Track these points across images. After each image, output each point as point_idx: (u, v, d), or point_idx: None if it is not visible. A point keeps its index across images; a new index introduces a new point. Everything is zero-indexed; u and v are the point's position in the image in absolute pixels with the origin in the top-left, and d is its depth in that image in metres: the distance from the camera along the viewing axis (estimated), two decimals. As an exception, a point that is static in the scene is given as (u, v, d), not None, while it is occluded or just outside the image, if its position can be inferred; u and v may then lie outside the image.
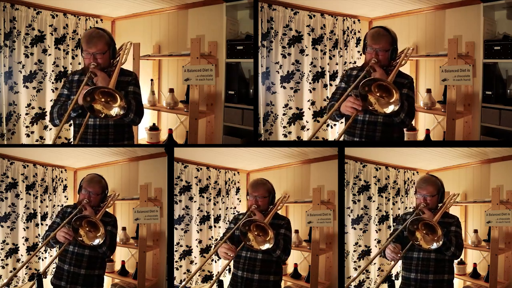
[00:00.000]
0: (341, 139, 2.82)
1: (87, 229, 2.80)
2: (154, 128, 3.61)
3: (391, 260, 2.81)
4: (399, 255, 2.76)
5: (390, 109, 2.50)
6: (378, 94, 2.50)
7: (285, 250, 2.82)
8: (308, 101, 3.55)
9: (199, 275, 3.81)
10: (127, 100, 2.61)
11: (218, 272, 3.77)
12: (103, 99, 2.54)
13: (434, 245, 2.66)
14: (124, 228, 3.78)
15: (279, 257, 2.80)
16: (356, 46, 3.66)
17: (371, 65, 2.60)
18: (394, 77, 2.54)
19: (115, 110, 2.55)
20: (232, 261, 2.88)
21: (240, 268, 2.84)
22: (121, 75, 2.71)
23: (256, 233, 2.75)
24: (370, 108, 2.51)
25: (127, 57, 2.77)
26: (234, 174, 3.95)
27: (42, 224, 3.79)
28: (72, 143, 3.56)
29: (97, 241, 2.80)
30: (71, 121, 3.45)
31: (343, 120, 2.80)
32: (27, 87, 3.41)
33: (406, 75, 2.73)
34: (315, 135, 3.59)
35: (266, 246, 2.72)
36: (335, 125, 3.62)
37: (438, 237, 2.67)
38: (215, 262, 3.82)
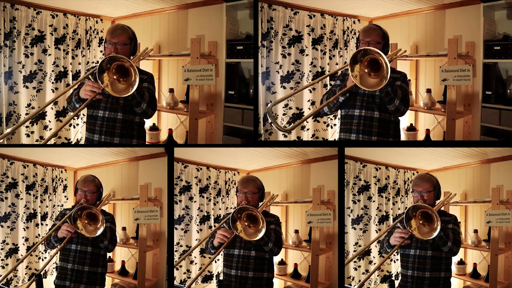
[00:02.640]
0: (338, 138, 2.83)
1: (86, 221, 2.87)
2: (154, 128, 3.61)
3: (398, 242, 2.78)
4: (407, 235, 2.75)
5: (380, 86, 2.50)
6: (366, 70, 2.52)
7: (277, 243, 2.87)
8: (308, 101, 3.55)
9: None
10: (140, 91, 2.69)
11: (218, 272, 3.78)
12: (115, 76, 2.59)
13: (430, 237, 2.65)
14: (124, 228, 3.78)
15: (271, 250, 2.85)
16: (356, 47, 3.66)
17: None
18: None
19: (126, 92, 2.59)
20: (224, 261, 2.93)
21: (233, 267, 2.87)
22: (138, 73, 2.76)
23: (246, 223, 2.78)
24: (352, 78, 2.53)
25: (144, 58, 2.90)
26: (234, 174, 3.95)
27: (42, 224, 3.80)
28: (72, 142, 3.57)
29: (98, 233, 2.87)
30: (75, 119, 3.49)
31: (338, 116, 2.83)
32: (27, 87, 3.41)
33: (399, 71, 2.79)
34: (313, 135, 3.60)
35: (259, 235, 2.75)
36: (335, 125, 3.62)
37: (433, 228, 2.67)
38: (215, 262, 3.82)
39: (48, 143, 3.51)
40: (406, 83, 2.74)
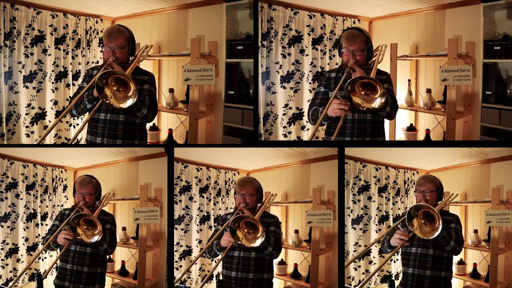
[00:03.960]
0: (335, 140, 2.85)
1: (84, 227, 2.87)
2: (154, 128, 3.61)
3: (398, 244, 2.83)
4: (407, 237, 2.80)
5: (377, 103, 2.53)
6: (363, 93, 2.54)
7: (276, 246, 2.85)
8: (308, 101, 3.55)
9: (199, 275, 3.81)
10: (141, 96, 2.68)
11: (218, 272, 3.78)
12: (115, 87, 2.59)
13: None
14: (124, 228, 3.78)
15: (271, 254, 2.84)
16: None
17: (350, 66, 2.64)
18: (375, 74, 2.60)
19: (124, 102, 2.59)
20: (223, 262, 2.92)
21: (233, 268, 2.86)
22: (138, 74, 2.77)
23: (246, 230, 2.77)
24: (360, 108, 2.57)
25: (144, 58, 2.89)
26: (234, 174, 3.95)
27: (42, 224, 3.79)
28: (70, 142, 3.57)
29: (95, 238, 2.87)
30: (75, 119, 3.49)
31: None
32: (27, 87, 3.41)
33: (384, 72, 2.79)
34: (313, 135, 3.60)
35: (258, 242, 2.73)
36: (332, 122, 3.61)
37: (435, 228, 2.69)
38: (215, 262, 3.82)
39: (48, 143, 3.51)
40: (391, 84, 2.75)
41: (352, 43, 2.67)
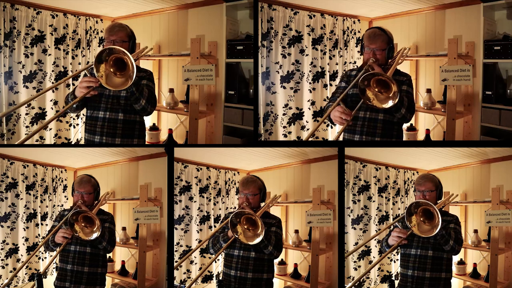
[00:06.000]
0: (341, 137, 2.83)
1: (83, 224, 2.88)
2: (154, 128, 3.62)
3: (396, 242, 2.82)
4: (405, 235, 2.79)
5: (389, 104, 2.52)
6: (376, 90, 2.54)
7: (277, 246, 2.86)
8: (308, 101, 3.55)
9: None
10: (139, 87, 2.68)
11: (218, 272, 3.78)
12: (112, 69, 2.57)
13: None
14: (124, 228, 3.78)
15: (271, 253, 2.84)
16: (356, 46, 3.66)
17: (369, 64, 2.64)
18: (392, 73, 2.58)
19: (118, 82, 2.57)
20: (224, 261, 2.94)
21: (233, 267, 2.87)
22: (137, 71, 2.74)
23: (245, 226, 2.78)
24: (369, 103, 2.55)
25: (142, 56, 2.91)
26: (234, 174, 3.95)
27: (42, 224, 3.80)
28: (72, 142, 3.57)
29: (94, 236, 2.88)
30: (75, 119, 3.48)
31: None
32: (27, 87, 3.41)
33: (405, 73, 2.77)
34: (312, 135, 3.59)
35: (256, 240, 2.74)
36: (335, 125, 3.61)
37: (435, 225, 2.68)
38: (215, 262, 3.83)
39: (48, 143, 3.51)
40: (411, 87, 2.72)
41: (373, 42, 2.68)
